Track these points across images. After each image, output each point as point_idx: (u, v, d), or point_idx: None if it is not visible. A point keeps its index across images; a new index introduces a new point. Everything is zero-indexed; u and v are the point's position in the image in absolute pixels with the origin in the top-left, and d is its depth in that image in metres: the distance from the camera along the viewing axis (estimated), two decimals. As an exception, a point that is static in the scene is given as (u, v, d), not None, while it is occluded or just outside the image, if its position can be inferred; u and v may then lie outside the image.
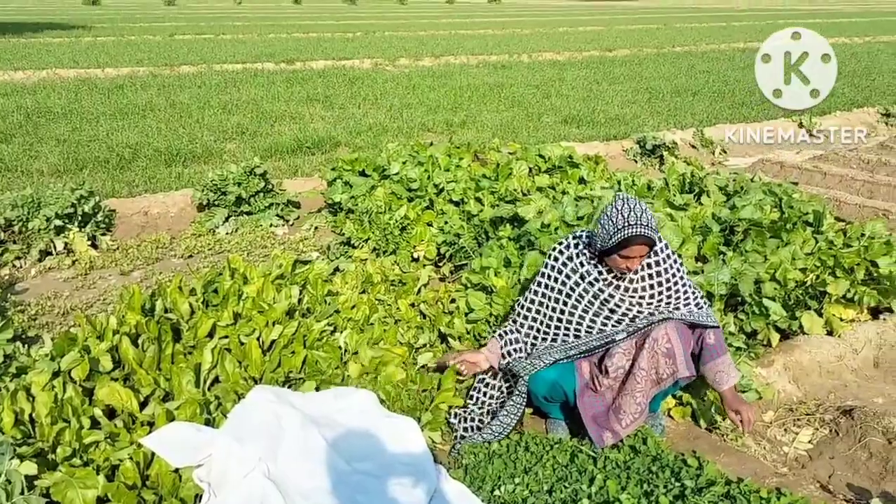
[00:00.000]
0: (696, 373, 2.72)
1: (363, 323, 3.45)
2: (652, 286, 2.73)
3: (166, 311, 3.29)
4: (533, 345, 2.92)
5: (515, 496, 2.53)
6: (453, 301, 3.79)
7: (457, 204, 4.96)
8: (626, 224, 2.47)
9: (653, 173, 7.45)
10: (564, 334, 2.82)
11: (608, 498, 2.47)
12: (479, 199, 4.82)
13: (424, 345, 3.42)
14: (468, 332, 3.44)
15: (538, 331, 2.91)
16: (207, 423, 2.65)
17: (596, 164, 5.49)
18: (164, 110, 9.86)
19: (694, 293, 2.81)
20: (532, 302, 2.91)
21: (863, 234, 4.10)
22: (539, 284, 2.89)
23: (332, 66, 15.42)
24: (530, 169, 5.32)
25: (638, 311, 2.70)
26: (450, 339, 3.42)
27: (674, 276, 2.74)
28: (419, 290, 4.03)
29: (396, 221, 4.68)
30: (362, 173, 5.54)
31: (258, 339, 3.15)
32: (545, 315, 2.87)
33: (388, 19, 36.53)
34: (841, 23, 33.08)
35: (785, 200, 4.44)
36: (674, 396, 3.10)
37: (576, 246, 2.78)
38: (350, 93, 11.84)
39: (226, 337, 3.14)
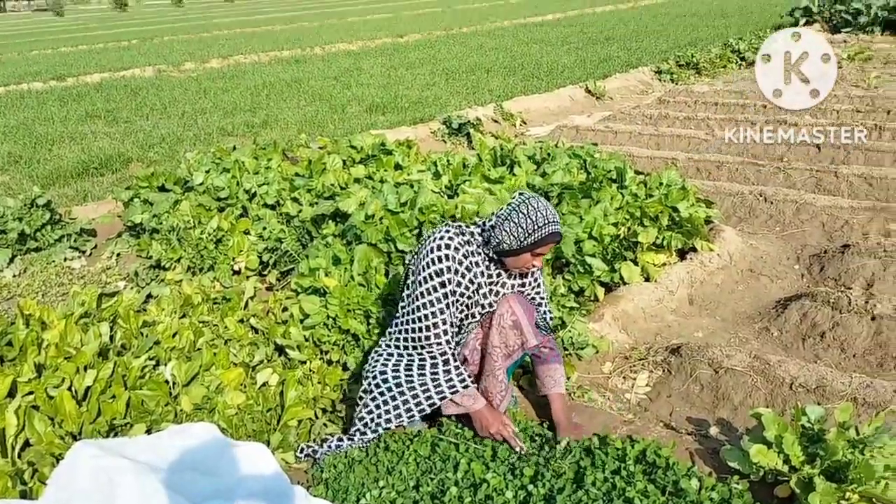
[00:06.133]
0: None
1: (189, 350, 3.16)
2: (523, 284, 2.76)
3: (-50, 378, 2.81)
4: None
5: (382, 500, 2.43)
6: (286, 310, 3.58)
7: (273, 207, 4.72)
8: (547, 222, 2.47)
9: (463, 151, 7.58)
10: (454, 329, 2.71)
11: (475, 481, 2.45)
12: (296, 199, 4.61)
13: (261, 361, 3.21)
14: (307, 340, 3.26)
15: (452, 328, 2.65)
16: (23, 495, 2.31)
17: (409, 149, 5.46)
18: (-87, 147, 8.54)
19: (545, 291, 2.87)
20: (439, 301, 2.54)
21: (661, 183, 4.41)
22: (439, 282, 2.54)
23: (109, 77, 14.20)
24: (344, 161, 5.18)
25: None
26: (288, 350, 3.23)
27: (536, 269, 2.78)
28: (246, 305, 3.78)
29: (209, 235, 4.36)
30: (162, 188, 5.11)
31: (70, 388, 2.78)
32: (452, 313, 2.60)
33: (164, 23, 34.39)
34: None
35: (589, 161, 4.67)
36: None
37: (467, 243, 2.59)
38: (134, 104, 10.96)
39: (30, 393, 2.74)
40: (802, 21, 15.08)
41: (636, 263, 3.99)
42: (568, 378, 3.20)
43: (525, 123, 8.91)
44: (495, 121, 8.80)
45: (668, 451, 2.44)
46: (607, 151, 5.67)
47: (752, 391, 2.94)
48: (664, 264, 4.09)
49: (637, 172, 4.79)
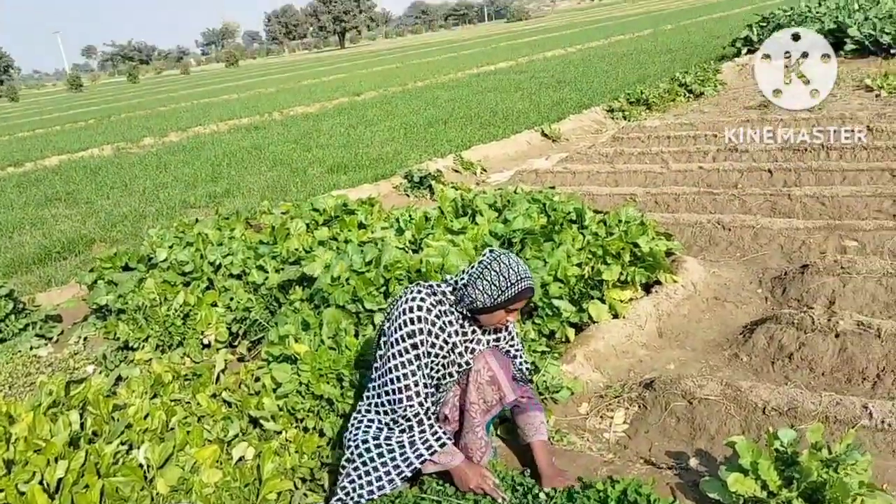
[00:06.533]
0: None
1: (162, 431, 3.11)
2: (498, 339, 2.77)
3: (-87, 484, 2.73)
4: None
5: (369, 567, 2.39)
6: (258, 380, 3.55)
7: (239, 277, 4.71)
8: (520, 278, 2.49)
9: (426, 203, 7.66)
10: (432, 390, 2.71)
11: (461, 537, 2.42)
12: (261, 267, 4.61)
13: (236, 435, 3.16)
14: (281, 409, 3.23)
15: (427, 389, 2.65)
16: None
17: (371, 207, 5.51)
18: None
19: (519, 342, 2.89)
20: (411, 363, 2.55)
21: (620, 221, 4.49)
22: (411, 344, 2.54)
23: (68, 159, 14.19)
24: (308, 225, 5.20)
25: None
26: (263, 421, 3.19)
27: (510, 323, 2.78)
28: (217, 378, 3.75)
29: (176, 311, 4.33)
30: (126, 268, 5.08)
31: (41, 482, 2.72)
32: (426, 374, 2.61)
33: (121, 101, 34.55)
34: (554, 36, 36.82)
35: (549, 204, 4.75)
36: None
37: (440, 303, 2.60)
38: (94, 184, 10.94)
39: (1, 491, 2.68)
40: (745, 51, 15.64)
41: (603, 301, 4.03)
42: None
43: (485, 171, 9.05)
44: (456, 171, 8.93)
45: (649, 489, 2.45)
46: (566, 193, 5.78)
47: (726, 419, 2.97)
48: (631, 300, 4.14)
49: (596, 211, 4.88)
